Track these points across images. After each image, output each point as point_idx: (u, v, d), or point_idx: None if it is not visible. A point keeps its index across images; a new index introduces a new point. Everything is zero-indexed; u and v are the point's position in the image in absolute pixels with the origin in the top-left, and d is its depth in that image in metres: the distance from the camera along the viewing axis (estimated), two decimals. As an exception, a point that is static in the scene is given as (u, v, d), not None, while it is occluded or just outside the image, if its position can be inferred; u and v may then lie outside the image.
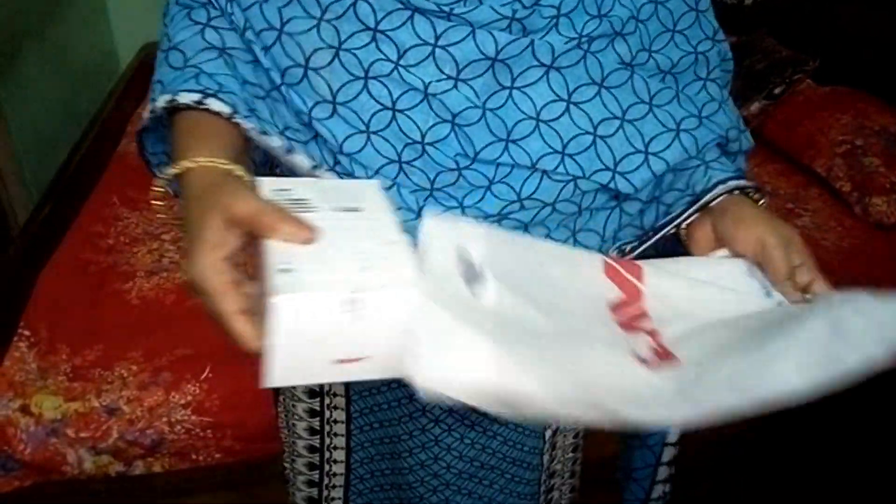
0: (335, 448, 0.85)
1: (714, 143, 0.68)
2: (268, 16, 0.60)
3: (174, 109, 0.58)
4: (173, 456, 1.33)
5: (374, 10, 0.58)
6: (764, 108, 2.14)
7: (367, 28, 0.58)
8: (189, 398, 1.32)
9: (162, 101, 0.58)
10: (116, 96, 2.36)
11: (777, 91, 2.12)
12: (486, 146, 0.61)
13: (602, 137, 0.63)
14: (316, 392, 0.81)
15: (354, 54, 0.59)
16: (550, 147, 0.61)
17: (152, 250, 1.68)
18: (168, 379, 1.34)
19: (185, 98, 0.56)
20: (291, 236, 0.47)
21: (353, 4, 0.58)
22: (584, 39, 0.61)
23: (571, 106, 0.62)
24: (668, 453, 0.85)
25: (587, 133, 0.62)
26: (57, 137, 2.17)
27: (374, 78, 0.59)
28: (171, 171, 0.53)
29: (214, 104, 0.56)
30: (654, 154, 0.65)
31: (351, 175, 0.62)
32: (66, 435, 1.27)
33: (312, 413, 0.83)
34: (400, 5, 0.58)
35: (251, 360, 0.46)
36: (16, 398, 1.29)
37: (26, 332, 1.42)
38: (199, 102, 0.56)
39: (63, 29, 2.31)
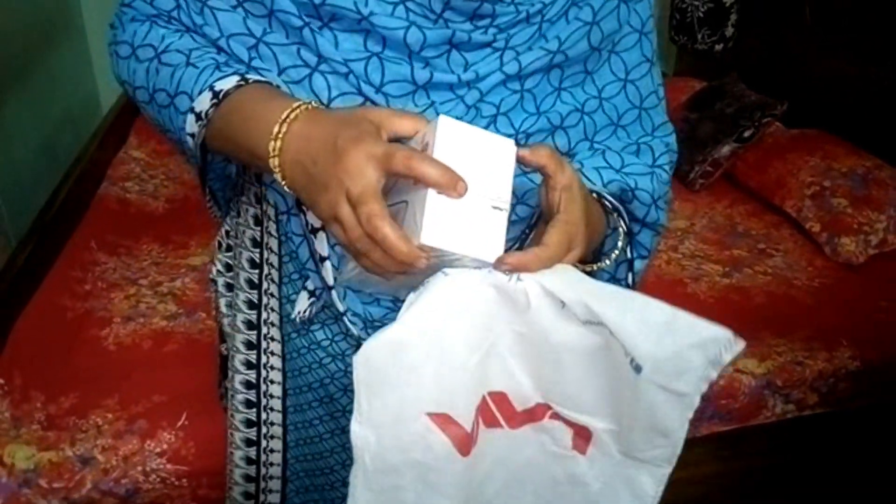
0: (270, 491, 0.88)
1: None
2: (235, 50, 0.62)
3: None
4: (148, 506, 1.32)
5: (328, 87, 0.60)
6: (734, 150, 2.19)
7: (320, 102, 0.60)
8: (165, 446, 1.30)
9: (206, 100, 0.58)
10: (98, 140, 2.36)
11: (747, 134, 2.18)
12: None
13: None
14: (252, 441, 0.85)
15: None
16: None
17: (129, 296, 1.68)
18: (144, 427, 1.33)
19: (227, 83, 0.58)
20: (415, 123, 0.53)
21: (309, 77, 0.60)
22: (521, 135, 0.63)
23: None
24: None
25: None
26: (37, 181, 2.17)
27: None
28: (289, 113, 0.54)
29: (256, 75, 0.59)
30: None
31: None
32: (39, 486, 1.25)
33: (249, 461, 0.87)
34: (353, 90, 0.60)
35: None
36: (-12, 449, 1.27)
37: (0, 381, 1.41)
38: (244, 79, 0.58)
39: (45, 72, 2.33)
